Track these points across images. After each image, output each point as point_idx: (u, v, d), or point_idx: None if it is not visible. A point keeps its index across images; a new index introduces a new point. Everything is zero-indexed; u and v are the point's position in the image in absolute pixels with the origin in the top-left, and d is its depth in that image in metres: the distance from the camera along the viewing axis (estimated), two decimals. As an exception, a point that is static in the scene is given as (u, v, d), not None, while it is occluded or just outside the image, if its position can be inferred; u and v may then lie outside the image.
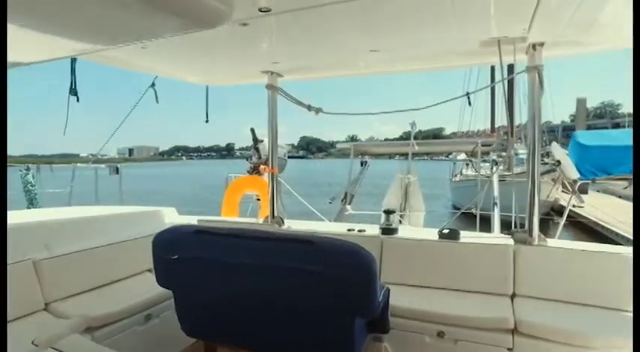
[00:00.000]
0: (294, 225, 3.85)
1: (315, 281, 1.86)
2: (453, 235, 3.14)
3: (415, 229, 3.72)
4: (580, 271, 2.67)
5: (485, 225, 4.82)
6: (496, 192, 4.67)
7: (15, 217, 3.17)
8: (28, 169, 5.75)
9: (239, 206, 5.12)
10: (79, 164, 5.34)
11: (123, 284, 3.14)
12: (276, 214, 3.86)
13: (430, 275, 3.02)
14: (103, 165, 5.54)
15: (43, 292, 2.68)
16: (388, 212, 3.48)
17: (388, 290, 2.28)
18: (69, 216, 3.56)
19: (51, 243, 2.92)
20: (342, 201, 5.77)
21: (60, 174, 5.46)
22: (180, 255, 2.16)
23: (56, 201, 5.04)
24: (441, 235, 3.18)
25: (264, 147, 5.24)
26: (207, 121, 4.37)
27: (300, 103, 3.72)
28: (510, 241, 2.97)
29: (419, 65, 3.41)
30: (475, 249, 2.98)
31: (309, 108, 3.68)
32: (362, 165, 6.54)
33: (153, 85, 4.10)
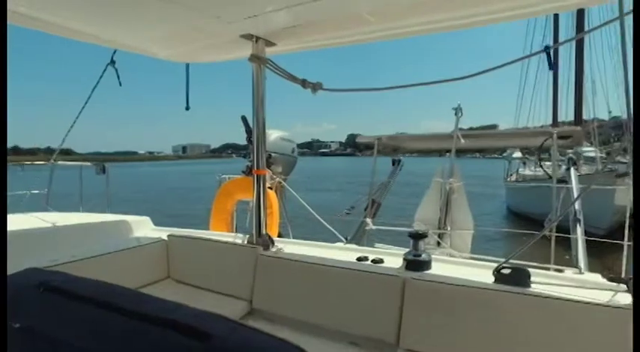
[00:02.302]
0: (289, 247, 2.81)
1: None
2: (518, 278, 1.95)
3: (457, 262, 2.54)
4: None
5: (559, 246, 3.51)
6: (577, 205, 3.32)
7: None
8: None
9: (233, 215, 4.12)
10: (60, 162, 4.63)
11: None
12: (263, 231, 2.85)
13: (480, 347, 1.87)
14: (88, 163, 4.80)
15: None
16: (416, 236, 2.34)
17: None
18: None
19: None
20: (365, 210, 4.59)
21: (34, 175, 4.78)
22: (22, 324, 1.22)
23: (31, 204, 4.35)
24: (500, 277, 2.00)
25: (267, 140, 4.25)
26: (187, 108, 3.43)
27: (293, 78, 2.68)
28: (625, 297, 1.74)
29: (453, 15, 2.28)
30: (559, 309, 1.77)
31: (304, 84, 2.63)
32: (394, 164, 5.29)
33: (112, 62, 3.21)
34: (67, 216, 3.52)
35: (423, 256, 2.31)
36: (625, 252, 2.01)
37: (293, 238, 4.24)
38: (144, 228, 3.43)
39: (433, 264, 2.31)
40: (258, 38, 2.69)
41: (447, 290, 2.01)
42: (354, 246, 3.10)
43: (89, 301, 1.10)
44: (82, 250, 2.71)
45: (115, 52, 3.22)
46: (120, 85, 3.21)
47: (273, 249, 2.75)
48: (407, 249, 2.52)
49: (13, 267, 2.37)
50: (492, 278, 2.03)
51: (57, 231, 3.04)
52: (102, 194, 4.44)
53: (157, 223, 3.66)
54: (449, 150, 5.49)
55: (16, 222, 3.17)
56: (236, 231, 3.85)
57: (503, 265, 2.02)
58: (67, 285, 1.19)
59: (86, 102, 3.64)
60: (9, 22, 2.45)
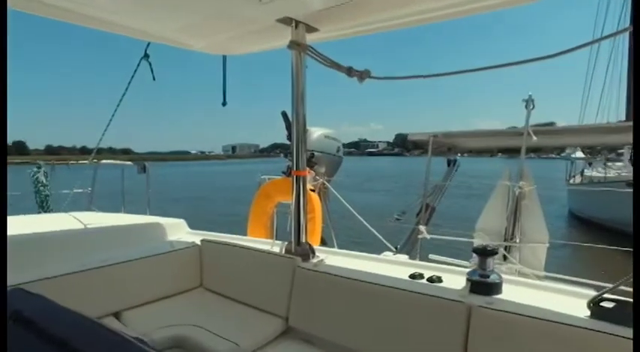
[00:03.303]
0: (331, 258, 2.49)
1: None
2: (626, 316, 1.50)
3: (534, 285, 2.09)
4: None
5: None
6: None
7: None
8: (39, 167, 5.22)
9: (273, 219, 3.85)
10: (103, 161, 4.61)
11: None
12: (303, 239, 2.54)
13: None
14: (129, 163, 4.76)
15: None
16: (484, 252, 1.93)
17: None
18: (39, 229, 2.73)
19: None
20: (417, 216, 4.14)
21: (81, 173, 4.79)
22: None
23: (76, 203, 4.36)
24: (598, 312, 1.56)
25: (310, 138, 3.95)
26: (224, 104, 3.21)
27: (337, 66, 2.35)
28: None
29: None
30: None
31: (350, 72, 2.30)
32: (449, 164, 4.78)
33: (146, 56, 3.05)
34: (105, 217, 3.43)
35: (492, 277, 1.90)
36: None
37: (337, 244, 3.92)
38: (178, 231, 3.26)
39: (504, 287, 1.90)
40: (297, 22, 2.40)
41: (526, 325, 1.60)
42: (405, 257, 2.72)
43: (58, 346, 0.86)
44: (112, 254, 2.56)
45: (148, 45, 3.07)
46: (154, 79, 3.05)
47: (314, 261, 2.44)
48: (467, 263, 2.12)
49: (43, 269, 2.26)
50: (587, 312, 1.60)
51: (92, 233, 2.94)
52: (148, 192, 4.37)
53: (194, 225, 3.48)
54: (511, 149, 4.88)
55: (54, 221, 3.11)
56: (275, 237, 3.57)
57: (603, 296, 1.58)
58: (39, 317, 0.97)
59: (121, 100, 3.53)
60: (38, 14, 2.35)
